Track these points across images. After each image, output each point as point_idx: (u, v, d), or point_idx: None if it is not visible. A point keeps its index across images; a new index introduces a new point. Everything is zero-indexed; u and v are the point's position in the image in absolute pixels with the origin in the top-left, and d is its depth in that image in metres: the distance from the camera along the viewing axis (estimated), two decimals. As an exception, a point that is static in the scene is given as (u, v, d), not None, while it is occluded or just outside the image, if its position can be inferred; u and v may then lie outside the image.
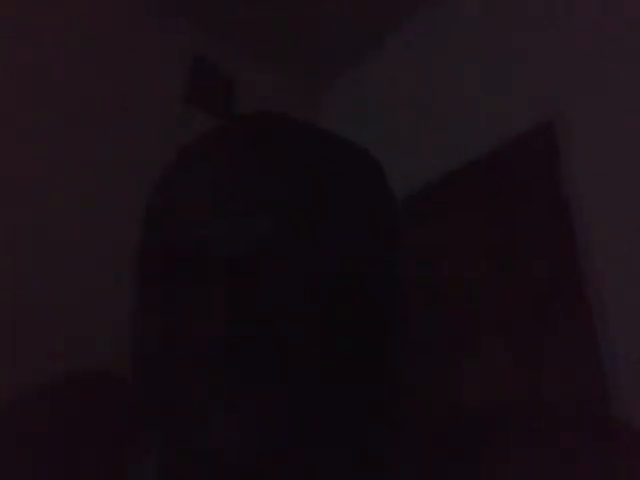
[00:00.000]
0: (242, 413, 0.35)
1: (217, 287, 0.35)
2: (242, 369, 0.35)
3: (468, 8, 2.54)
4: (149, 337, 0.38)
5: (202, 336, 0.35)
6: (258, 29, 2.85)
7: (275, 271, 0.36)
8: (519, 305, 1.92)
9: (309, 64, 3.05)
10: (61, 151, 2.19)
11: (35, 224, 2.03)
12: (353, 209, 0.40)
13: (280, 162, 0.38)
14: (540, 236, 1.95)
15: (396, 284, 0.43)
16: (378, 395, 0.40)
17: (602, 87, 1.95)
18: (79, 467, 0.46)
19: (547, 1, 2.23)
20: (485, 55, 2.39)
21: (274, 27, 2.84)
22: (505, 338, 1.91)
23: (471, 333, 2.01)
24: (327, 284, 0.38)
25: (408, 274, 2.34)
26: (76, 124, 2.26)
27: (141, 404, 0.39)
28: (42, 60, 2.25)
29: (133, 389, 0.41)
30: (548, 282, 1.88)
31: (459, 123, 2.38)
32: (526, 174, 2.08)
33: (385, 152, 2.66)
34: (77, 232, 2.12)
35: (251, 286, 0.36)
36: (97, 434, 0.47)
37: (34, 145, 2.13)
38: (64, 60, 2.31)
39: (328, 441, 0.37)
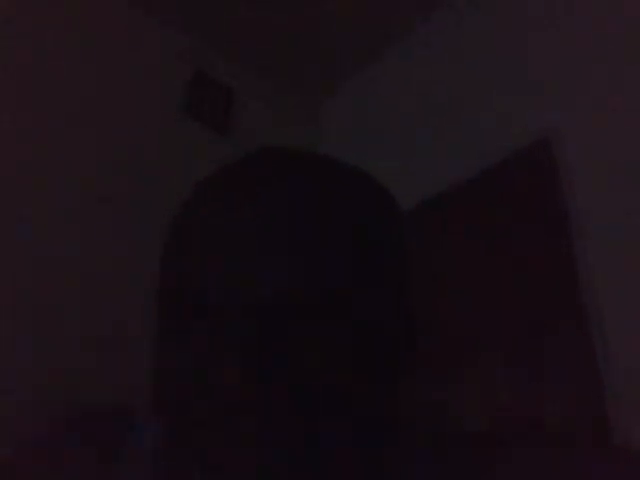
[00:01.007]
0: (275, 460, 0.35)
1: (238, 336, 0.35)
2: (272, 416, 0.35)
3: (466, 24, 2.56)
4: (170, 378, 0.38)
5: (231, 385, 0.35)
6: (257, 40, 2.87)
7: (297, 320, 0.36)
8: (518, 320, 1.92)
9: (308, 76, 3.07)
10: (58, 161, 2.19)
11: (33, 238, 2.03)
12: (366, 244, 0.40)
13: (292, 204, 0.38)
14: (539, 251, 1.96)
15: (409, 309, 0.44)
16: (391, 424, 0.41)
17: (599, 102, 1.96)
18: None
19: (542, 17, 2.25)
20: (482, 71, 2.40)
21: (274, 39, 2.86)
22: (504, 353, 1.91)
23: (470, 349, 2.01)
24: (345, 328, 0.37)
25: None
26: (74, 135, 2.27)
27: (172, 449, 0.39)
28: (42, 72, 2.26)
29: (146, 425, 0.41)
30: (547, 297, 1.87)
31: (456, 139, 2.39)
32: (524, 190, 2.08)
33: (383, 166, 2.67)
34: (75, 245, 2.12)
35: (274, 335, 0.36)
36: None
37: (33, 155, 2.14)
38: (64, 70, 2.33)
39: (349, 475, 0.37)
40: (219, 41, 2.83)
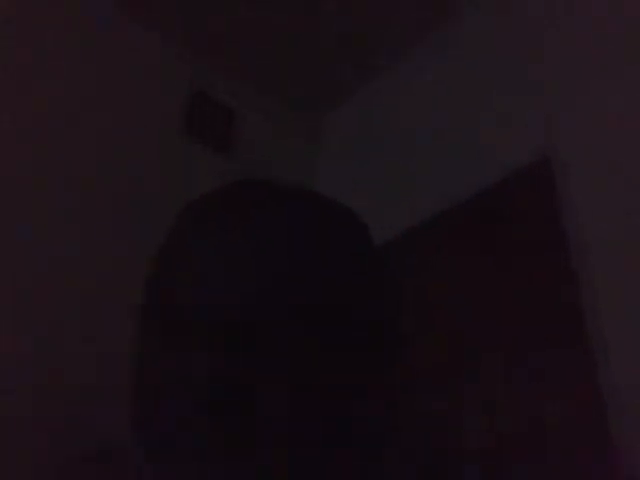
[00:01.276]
0: (240, 467, 0.36)
1: (211, 351, 0.37)
2: (238, 426, 0.36)
3: (466, 44, 2.58)
4: (151, 378, 0.40)
5: (201, 391, 0.37)
6: (258, 57, 2.89)
7: (268, 334, 0.38)
8: (518, 333, 1.91)
9: (309, 93, 3.09)
10: (58, 183, 2.20)
11: (31, 257, 2.04)
12: (343, 271, 0.42)
13: (271, 231, 0.40)
14: (539, 269, 1.96)
15: (394, 338, 0.45)
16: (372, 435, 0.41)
17: (598, 120, 1.97)
18: None
19: (541, 34, 2.27)
20: (481, 90, 2.42)
21: (274, 56, 2.88)
22: (505, 366, 1.90)
23: (471, 359, 2.00)
24: (317, 346, 0.39)
25: (409, 306, 2.34)
26: (74, 153, 2.28)
27: (140, 437, 0.40)
28: (42, 99, 2.28)
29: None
30: (547, 312, 1.87)
31: (457, 156, 2.40)
32: (523, 209, 2.09)
33: (384, 183, 2.68)
34: (77, 257, 2.13)
35: (246, 349, 0.38)
36: None
37: (33, 181, 2.15)
38: (64, 87, 2.35)
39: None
40: (219, 59, 2.85)
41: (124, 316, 2.13)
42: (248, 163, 2.78)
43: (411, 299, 2.34)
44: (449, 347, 2.11)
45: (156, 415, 0.39)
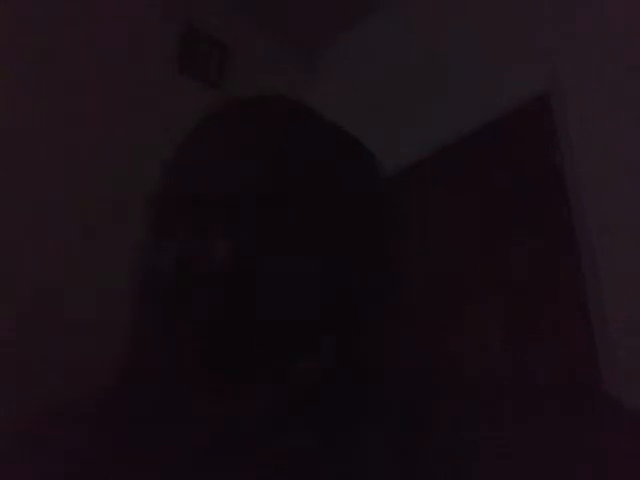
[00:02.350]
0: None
1: (216, 225, 0.42)
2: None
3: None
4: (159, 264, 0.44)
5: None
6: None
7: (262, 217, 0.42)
8: (514, 275, 1.93)
9: (305, 30, 3.01)
10: (54, 121, 2.17)
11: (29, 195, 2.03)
12: (341, 187, 0.46)
13: (273, 138, 0.45)
14: (536, 209, 1.96)
15: (385, 267, 0.47)
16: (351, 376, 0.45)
17: (597, 58, 1.93)
18: None
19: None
20: (479, 26, 2.36)
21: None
22: (496, 311, 1.93)
23: (462, 301, 2.03)
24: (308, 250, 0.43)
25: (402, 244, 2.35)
26: (67, 101, 2.23)
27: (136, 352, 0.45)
28: (40, 38, 2.21)
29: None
30: (543, 254, 1.89)
31: (454, 96, 2.36)
32: (521, 146, 2.07)
33: (382, 120, 2.64)
34: (74, 209, 2.11)
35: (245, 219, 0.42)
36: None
37: (26, 124, 2.11)
38: (50, 29, 2.28)
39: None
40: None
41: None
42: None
43: (409, 237, 2.35)
44: (446, 289, 2.13)
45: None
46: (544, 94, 2.04)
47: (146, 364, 0.44)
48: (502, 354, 1.84)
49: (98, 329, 1.96)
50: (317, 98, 3.06)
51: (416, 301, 2.19)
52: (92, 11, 2.41)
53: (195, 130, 0.49)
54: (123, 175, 2.25)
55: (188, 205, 0.43)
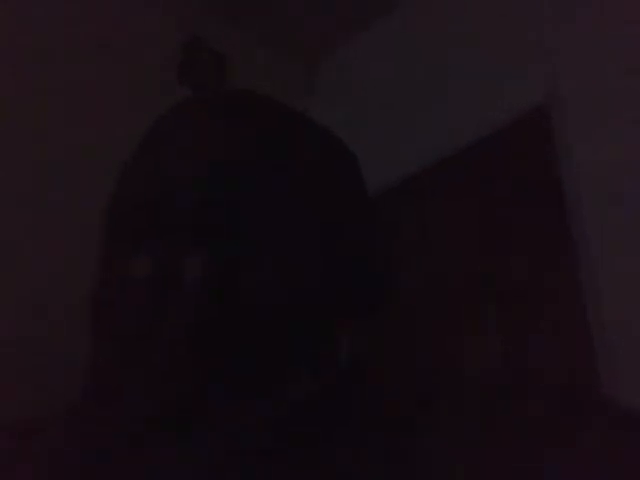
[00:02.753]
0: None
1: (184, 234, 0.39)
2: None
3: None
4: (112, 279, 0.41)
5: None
6: (252, 7, 2.81)
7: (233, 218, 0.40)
8: (513, 280, 1.94)
9: (304, 42, 3.02)
10: (53, 135, 2.18)
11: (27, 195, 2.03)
12: (313, 179, 0.43)
13: (241, 133, 0.42)
14: (535, 219, 1.97)
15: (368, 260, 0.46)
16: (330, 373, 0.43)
17: (596, 68, 1.94)
18: None
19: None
20: (477, 38, 2.36)
21: (269, 4, 2.80)
22: (496, 314, 1.94)
23: (461, 306, 2.04)
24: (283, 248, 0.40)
25: (405, 253, 2.36)
26: (68, 110, 2.24)
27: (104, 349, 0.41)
28: (39, 40, 2.23)
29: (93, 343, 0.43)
30: (543, 262, 1.89)
31: (452, 107, 2.37)
32: (520, 157, 2.08)
33: (381, 133, 2.65)
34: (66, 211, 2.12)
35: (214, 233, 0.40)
36: None
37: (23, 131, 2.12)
38: (60, 41, 2.29)
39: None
40: (214, 6, 2.77)
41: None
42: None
43: (410, 245, 2.36)
44: (446, 292, 2.14)
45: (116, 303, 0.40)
46: (543, 104, 2.05)
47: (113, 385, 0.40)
48: (502, 355, 1.85)
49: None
50: (317, 109, 3.07)
51: (416, 305, 2.20)
52: (92, 21, 2.42)
53: (151, 132, 0.46)
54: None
55: (149, 215, 0.41)
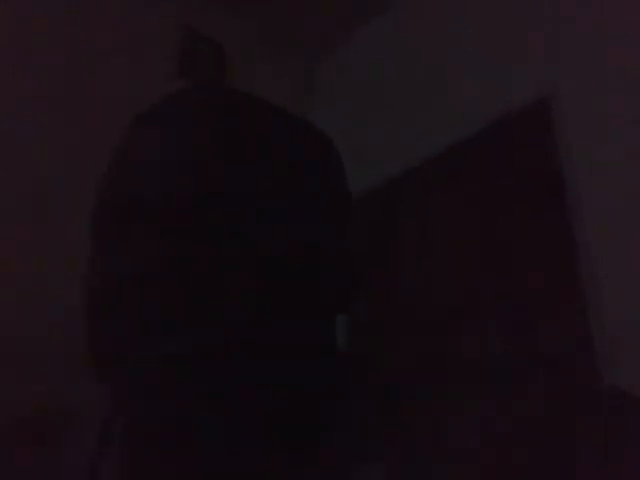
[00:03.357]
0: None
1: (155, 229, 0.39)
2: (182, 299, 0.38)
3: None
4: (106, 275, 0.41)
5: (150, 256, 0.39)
6: (250, 1, 2.81)
7: (212, 222, 0.40)
8: (513, 276, 1.94)
9: (304, 38, 3.02)
10: (54, 125, 2.18)
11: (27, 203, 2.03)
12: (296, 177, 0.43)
13: (223, 129, 0.42)
14: (535, 211, 1.97)
15: (340, 258, 0.46)
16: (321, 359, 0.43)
17: (596, 63, 1.94)
18: None
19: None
20: (479, 32, 2.37)
21: (271, 1, 2.80)
22: (496, 311, 1.94)
23: (462, 302, 2.04)
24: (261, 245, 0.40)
25: (411, 241, 2.36)
26: (69, 107, 2.24)
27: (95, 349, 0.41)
28: (40, 36, 2.22)
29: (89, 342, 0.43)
30: (543, 255, 1.90)
31: (453, 100, 2.37)
32: (520, 150, 2.08)
33: (380, 128, 2.66)
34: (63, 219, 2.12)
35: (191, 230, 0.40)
36: None
37: (24, 130, 2.12)
38: (61, 43, 2.29)
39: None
40: (210, 3, 2.77)
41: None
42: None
43: (412, 236, 2.36)
44: (446, 295, 2.14)
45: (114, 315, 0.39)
46: (544, 97, 2.05)
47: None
48: (502, 354, 1.85)
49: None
50: (317, 103, 3.08)
51: (416, 303, 2.20)
52: (92, 17, 2.42)
53: (132, 130, 0.46)
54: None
55: (132, 212, 0.41)
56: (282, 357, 0.40)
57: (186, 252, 0.39)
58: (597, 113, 1.89)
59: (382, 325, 2.30)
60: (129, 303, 0.39)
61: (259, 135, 0.43)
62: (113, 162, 0.45)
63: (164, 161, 0.41)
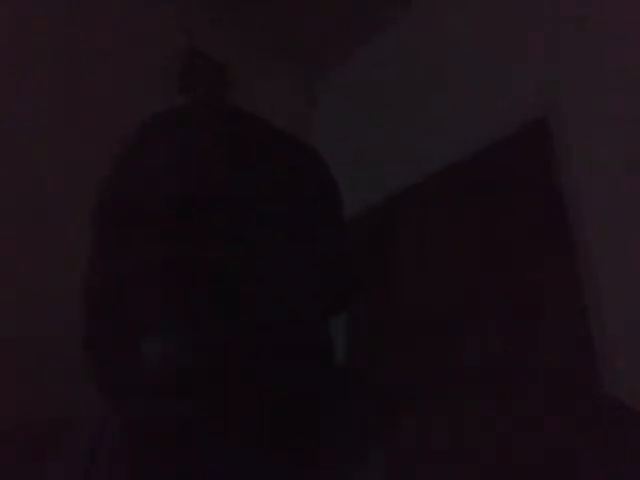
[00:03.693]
0: (179, 329, 0.38)
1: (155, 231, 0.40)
2: (180, 290, 0.39)
3: (461, 2, 2.52)
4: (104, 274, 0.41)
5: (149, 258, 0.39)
6: (251, 17, 2.81)
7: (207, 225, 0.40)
8: (513, 286, 1.94)
9: (306, 53, 3.02)
10: (54, 147, 2.18)
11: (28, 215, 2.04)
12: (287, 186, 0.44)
13: (220, 141, 0.43)
14: (536, 229, 1.97)
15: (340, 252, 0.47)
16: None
17: (596, 81, 1.94)
18: None
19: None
20: (478, 51, 2.37)
21: (271, 16, 2.80)
22: (496, 316, 1.94)
23: (462, 311, 2.04)
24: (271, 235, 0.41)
25: (405, 261, 2.36)
26: (69, 122, 2.25)
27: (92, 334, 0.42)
28: (41, 49, 2.23)
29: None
30: (543, 257, 1.90)
31: (453, 120, 2.37)
32: (521, 170, 2.08)
33: (383, 142, 2.66)
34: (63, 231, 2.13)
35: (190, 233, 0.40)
36: None
37: (28, 140, 2.12)
38: (63, 57, 2.29)
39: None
40: (215, 17, 2.77)
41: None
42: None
43: (414, 252, 2.36)
44: (446, 297, 2.14)
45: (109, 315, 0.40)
46: (544, 116, 2.05)
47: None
48: (502, 354, 1.85)
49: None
50: (318, 120, 3.08)
51: (416, 303, 2.20)
52: (92, 32, 2.42)
53: (134, 139, 0.47)
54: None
55: (133, 216, 0.41)
56: (282, 357, 0.40)
57: (186, 253, 0.39)
58: (597, 113, 1.89)
59: (382, 325, 2.30)
60: (129, 303, 0.39)
61: (259, 140, 0.44)
62: (115, 165, 0.45)
63: (167, 165, 0.41)
